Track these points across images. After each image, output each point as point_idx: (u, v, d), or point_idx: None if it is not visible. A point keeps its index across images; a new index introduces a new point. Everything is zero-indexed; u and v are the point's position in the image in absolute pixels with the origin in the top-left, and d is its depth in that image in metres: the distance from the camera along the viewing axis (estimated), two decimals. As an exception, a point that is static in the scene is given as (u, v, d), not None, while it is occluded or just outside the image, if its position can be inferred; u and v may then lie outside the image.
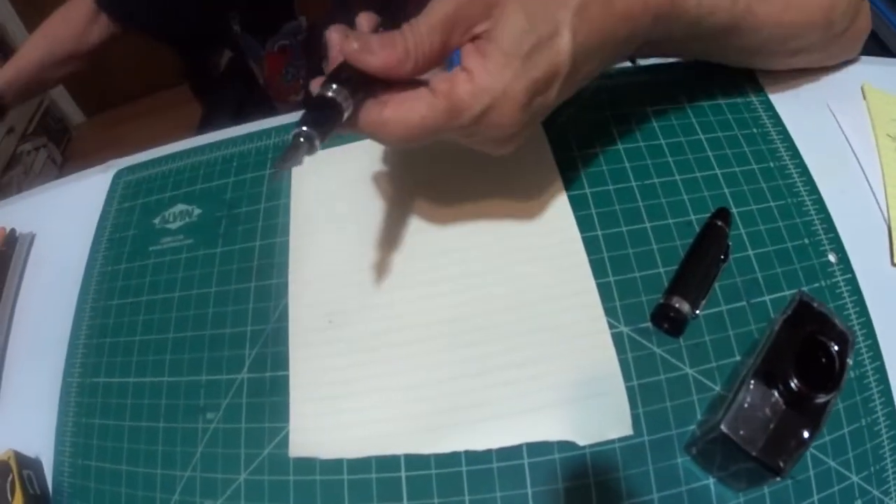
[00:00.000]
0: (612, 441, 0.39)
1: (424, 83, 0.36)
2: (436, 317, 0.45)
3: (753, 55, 0.50)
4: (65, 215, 0.63)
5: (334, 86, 0.35)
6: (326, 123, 0.34)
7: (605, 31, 0.37)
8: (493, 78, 0.35)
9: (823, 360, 0.34)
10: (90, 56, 0.88)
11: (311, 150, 0.34)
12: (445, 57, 0.37)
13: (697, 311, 0.42)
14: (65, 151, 2.38)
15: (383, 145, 0.38)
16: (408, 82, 0.37)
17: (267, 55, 0.72)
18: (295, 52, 0.71)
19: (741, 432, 0.33)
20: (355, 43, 0.35)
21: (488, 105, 0.35)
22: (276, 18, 0.69)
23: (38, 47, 0.87)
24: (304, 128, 0.33)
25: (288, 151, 0.34)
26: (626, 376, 0.41)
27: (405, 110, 0.35)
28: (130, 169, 0.62)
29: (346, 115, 0.35)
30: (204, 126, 0.99)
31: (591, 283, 0.44)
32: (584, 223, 0.47)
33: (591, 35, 0.36)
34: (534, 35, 0.35)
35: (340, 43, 0.36)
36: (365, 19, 0.40)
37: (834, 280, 0.44)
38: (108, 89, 2.35)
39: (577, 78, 0.38)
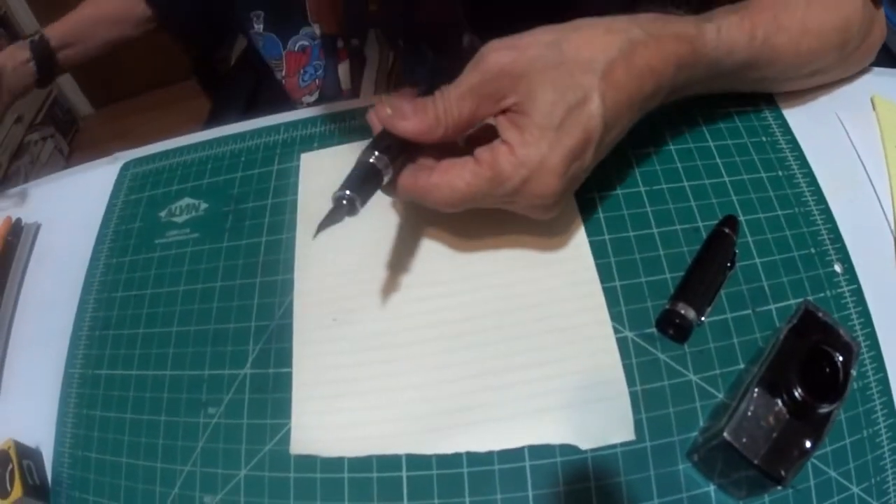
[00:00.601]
0: (614, 446, 0.39)
1: (469, 152, 0.39)
2: (440, 318, 0.45)
3: (772, 83, 0.51)
4: (71, 206, 0.63)
5: (376, 153, 0.38)
6: (367, 187, 0.38)
7: (631, 89, 0.38)
8: (530, 150, 0.37)
9: (827, 370, 0.34)
10: (137, 26, 0.88)
11: (352, 211, 0.37)
12: (474, 125, 0.39)
13: (703, 318, 0.42)
14: (72, 142, 2.38)
15: (428, 207, 0.41)
16: (447, 149, 0.40)
17: (287, 54, 0.72)
18: (314, 53, 0.72)
19: (744, 440, 0.33)
20: (389, 109, 0.38)
21: (527, 176, 0.37)
22: (296, 21, 0.70)
23: (86, 8, 0.86)
24: (347, 191, 0.36)
25: (330, 213, 0.37)
26: (630, 381, 0.41)
27: (451, 176, 0.38)
28: (138, 161, 0.63)
29: (386, 179, 0.38)
30: (212, 121, 0.99)
31: (597, 287, 0.44)
32: (591, 227, 0.47)
33: (618, 96, 0.38)
34: (564, 105, 0.37)
35: (376, 110, 0.39)
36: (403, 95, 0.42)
37: (839, 290, 0.44)
38: (117, 81, 2.36)
39: (610, 138, 0.40)
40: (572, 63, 0.37)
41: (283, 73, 0.75)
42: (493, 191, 0.38)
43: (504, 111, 0.38)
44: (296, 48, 0.72)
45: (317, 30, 0.70)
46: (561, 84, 0.37)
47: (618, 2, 0.42)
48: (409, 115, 0.38)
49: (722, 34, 0.42)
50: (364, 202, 0.37)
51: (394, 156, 0.39)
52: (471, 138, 0.42)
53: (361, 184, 0.37)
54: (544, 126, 0.37)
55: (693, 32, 0.41)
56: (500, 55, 0.38)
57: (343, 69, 0.70)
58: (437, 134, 0.38)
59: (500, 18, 0.40)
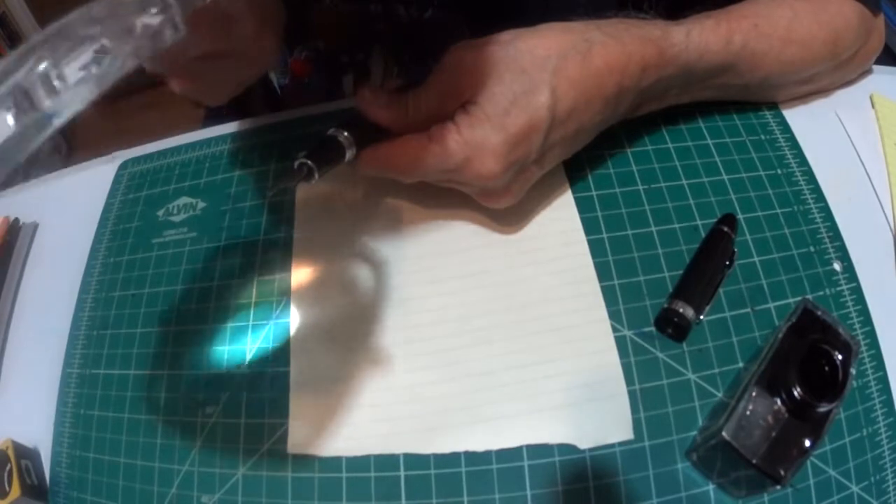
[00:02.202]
0: (613, 445, 0.39)
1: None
2: (437, 317, 0.45)
3: (759, 90, 0.50)
4: (69, 206, 0.63)
5: (345, 133, 0.41)
6: (328, 159, 0.40)
7: (587, 86, 0.40)
8: (473, 131, 0.39)
9: (827, 368, 0.34)
10: None
11: (308, 178, 0.39)
12: (441, 118, 0.41)
13: (701, 317, 0.42)
14: (70, 141, 2.38)
15: (387, 178, 0.44)
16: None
17: (293, 62, 0.72)
18: (318, 65, 0.71)
19: (743, 439, 0.33)
20: (368, 94, 0.42)
21: (469, 155, 0.40)
22: (301, 34, 0.70)
23: None
24: (308, 160, 0.39)
25: (287, 174, 0.40)
26: (629, 380, 0.41)
27: (406, 148, 0.41)
28: (135, 160, 0.62)
29: (348, 155, 0.41)
30: (209, 119, 0.99)
31: (595, 286, 0.44)
32: (589, 225, 0.46)
33: (571, 91, 0.39)
34: (510, 94, 0.39)
35: (358, 91, 0.42)
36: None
37: (839, 289, 0.44)
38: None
39: (566, 132, 0.41)
40: (526, 60, 0.39)
41: (287, 80, 0.75)
42: (439, 165, 0.41)
43: (464, 104, 0.40)
44: (302, 57, 0.72)
45: (320, 45, 0.70)
46: (510, 76, 0.39)
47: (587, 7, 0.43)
48: (383, 105, 0.42)
49: (692, 37, 0.43)
50: (322, 172, 0.39)
51: (360, 136, 0.42)
52: None
53: (322, 154, 0.40)
54: (490, 112, 0.39)
55: (658, 34, 0.41)
56: (459, 55, 0.40)
57: (347, 81, 0.70)
58: (403, 125, 0.42)
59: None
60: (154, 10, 0.26)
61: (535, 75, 0.39)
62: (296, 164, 0.39)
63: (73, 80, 0.23)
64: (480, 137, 0.39)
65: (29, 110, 0.22)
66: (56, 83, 0.22)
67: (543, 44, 0.39)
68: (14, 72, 0.21)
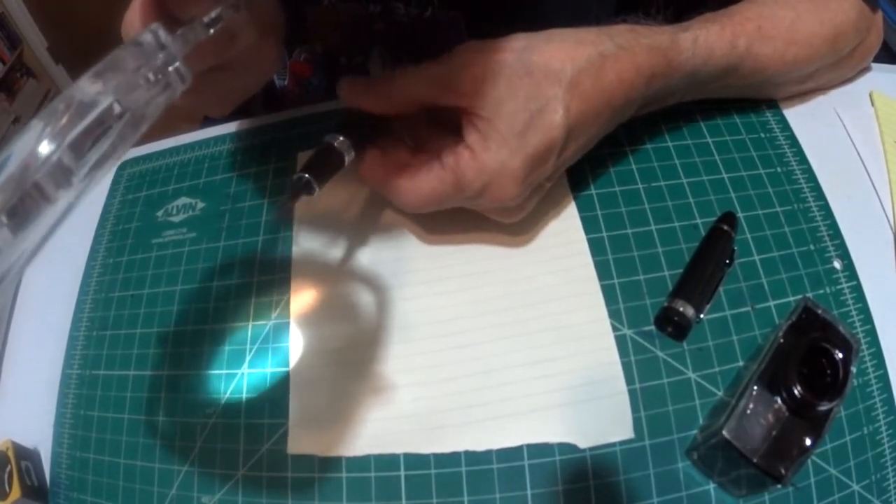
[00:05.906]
0: (613, 444, 0.39)
1: (435, 155, 0.40)
2: (438, 316, 0.45)
3: (761, 89, 0.50)
4: (68, 206, 0.63)
5: (340, 137, 0.40)
6: (326, 169, 0.39)
7: (598, 100, 0.39)
8: (490, 156, 0.38)
9: (827, 367, 0.34)
10: None
11: (309, 192, 0.38)
12: (430, 106, 0.40)
13: (701, 316, 0.42)
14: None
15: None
16: (418, 149, 0.42)
17: (292, 63, 0.72)
18: (317, 67, 0.71)
19: (743, 438, 0.33)
20: (347, 85, 0.41)
21: (488, 182, 0.39)
22: (299, 35, 0.69)
23: None
24: (305, 174, 0.38)
25: (283, 193, 0.39)
26: (629, 379, 0.41)
27: (418, 181, 0.40)
28: (134, 161, 0.62)
29: (347, 160, 0.40)
30: (208, 120, 0.98)
31: (595, 285, 0.44)
32: (589, 224, 0.46)
33: (584, 106, 0.39)
34: (527, 113, 0.38)
35: (339, 84, 0.42)
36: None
37: (839, 287, 0.44)
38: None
39: (577, 146, 0.41)
40: (540, 73, 0.38)
41: (286, 81, 0.74)
42: (456, 195, 0.40)
43: (469, 114, 0.39)
44: (301, 58, 0.72)
45: (318, 47, 0.70)
46: (525, 93, 0.38)
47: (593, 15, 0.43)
48: (363, 90, 0.41)
49: (699, 43, 0.42)
50: (322, 184, 0.39)
51: (357, 138, 0.41)
52: (432, 135, 0.43)
53: (320, 165, 0.39)
54: (506, 133, 0.38)
55: (667, 43, 0.41)
56: (471, 55, 0.39)
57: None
58: (387, 107, 0.41)
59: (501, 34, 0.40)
60: (157, 61, 0.26)
61: (550, 91, 0.38)
62: (294, 180, 0.38)
63: (86, 165, 0.23)
64: (498, 163, 0.38)
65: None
66: (71, 178, 0.22)
67: (558, 55, 0.38)
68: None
